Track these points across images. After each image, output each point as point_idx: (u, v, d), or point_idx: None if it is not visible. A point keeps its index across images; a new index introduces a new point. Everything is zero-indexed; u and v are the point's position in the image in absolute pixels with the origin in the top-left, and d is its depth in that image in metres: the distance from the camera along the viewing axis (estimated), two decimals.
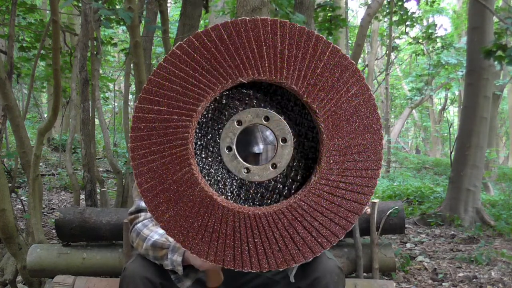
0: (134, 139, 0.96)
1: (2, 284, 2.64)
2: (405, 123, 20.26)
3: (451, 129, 9.02)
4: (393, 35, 11.87)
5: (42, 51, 4.10)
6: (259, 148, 1.49)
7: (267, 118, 1.02)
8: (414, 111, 19.56)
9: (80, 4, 3.95)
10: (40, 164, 6.05)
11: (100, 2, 3.29)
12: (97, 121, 3.90)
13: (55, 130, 9.09)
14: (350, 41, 14.12)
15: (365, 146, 0.97)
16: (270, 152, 1.51)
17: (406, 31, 10.74)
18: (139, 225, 1.44)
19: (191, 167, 0.97)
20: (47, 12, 6.19)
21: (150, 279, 1.34)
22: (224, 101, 1.02)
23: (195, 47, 0.95)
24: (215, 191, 1.02)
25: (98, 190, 3.52)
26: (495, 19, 4.70)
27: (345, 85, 0.96)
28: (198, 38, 0.95)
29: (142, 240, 1.40)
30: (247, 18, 0.94)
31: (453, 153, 5.70)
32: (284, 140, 1.03)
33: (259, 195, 1.04)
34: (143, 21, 3.31)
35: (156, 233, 1.40)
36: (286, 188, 1.04)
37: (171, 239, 1.35)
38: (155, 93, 0.95)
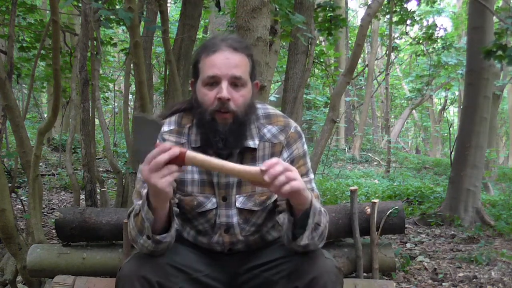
0: None
1: (2, 284, 2.64)
2: (405, 123, 20.26)
3: (451, 129, 9.01)
4: (393, 35, 11.87)
5: (42, 51, 4.09)
6: (254, 143, 1.49)
7: None
8: (414, 111, 19.57)
9: (80, 4, 3.95)
10: (40, 164, 6.05)
11: (100, 2, 3.28)
12: (97, 121, 3.90)
13: (55, 130, 9.09)
14: (350, 41, 14.12)
15: None
16: (268, 149, 1.51)
17: (406, 31, 10.74)
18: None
19: None
20: (47, 12, 6.19)
21: (147, 277, 1.33)
22: None
23: None
24: None
25: (98, 190, 3.52)
26: (495, 19, 4.70)
27: None
28: None
29: (130, 223, 1.40)
30: None
31: (453, 153, 5.69)
32: None
33: None
34: (143, 21, 3.31)
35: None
36: None
37: (139, 202, 1.36)
38: None
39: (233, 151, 1.47)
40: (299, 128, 1.55)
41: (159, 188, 1.21)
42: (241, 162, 1.49)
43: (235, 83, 1.39)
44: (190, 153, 1.21)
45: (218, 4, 4.02)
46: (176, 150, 1.19)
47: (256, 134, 1.50)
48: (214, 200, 1.50)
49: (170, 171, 1.20)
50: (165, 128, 1.51)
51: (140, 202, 1.40)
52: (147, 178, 1.21)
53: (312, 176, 1.54)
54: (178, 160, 1.20)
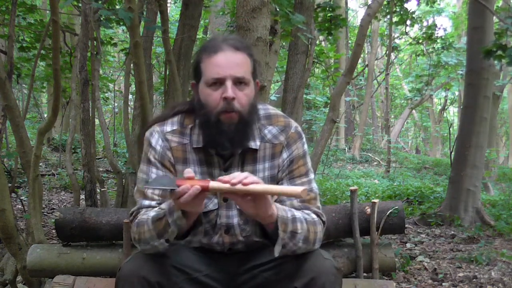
0: None
1: (2, 284, 2.64)
2: (405, 123, 20.26)
3: (451, 129, 9.01)
4: (393, 35, 11.87)
5: (42, 51, 4.09)
6: (255, 144, 1.50)
7: None
8: (414, 111, 19.56)
9: (80, 4, 3.95)
10: (40, 164, 6.05)
11: (100, 2, 3.28)
12: (97, 121, 3.90)
13: (55, 130, 9.08)
14: (350, 41, 14.12)
15: None
16: (268, 150, 1.52)
17: (406, 31, 10.74)
18: (138, 217, 1.45)
19: None
20: (47, 12, 6.18)
21: (147, 278, 1.34)
22: None
23: None
24: None
25: (98, 190, 3.52)
26: (495, 19, 4.70)
27: None
28: None
29: (142, 225, 1.39)
30: None
31: (453, 153, 5.70)
32: None
33: None
34: (143, 21, 3.31)
35: (152, 211, 1.42)
36: None
37: (163, 206, 1.37)
38: None
39: (235, 152, 1.47)
40: (299, 128, 1.56)
41: (194, 211, 1.34)
42: (243, 163, 1.49)
43: (238, 82, 1.40)
44: (212, 184, 1.27)
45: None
46: (197, 188, 1.25)
47: (258, 135, 1.51)
48: (215, 200, 1.50)
49: (199, 199, 1.28)
50: (167, 128, 1.52)
51: (152, 203, 1.45)
52: (180, 208, 1.31)
53: (312, 176, 1.54)
54: (203, 190, 1.26)
